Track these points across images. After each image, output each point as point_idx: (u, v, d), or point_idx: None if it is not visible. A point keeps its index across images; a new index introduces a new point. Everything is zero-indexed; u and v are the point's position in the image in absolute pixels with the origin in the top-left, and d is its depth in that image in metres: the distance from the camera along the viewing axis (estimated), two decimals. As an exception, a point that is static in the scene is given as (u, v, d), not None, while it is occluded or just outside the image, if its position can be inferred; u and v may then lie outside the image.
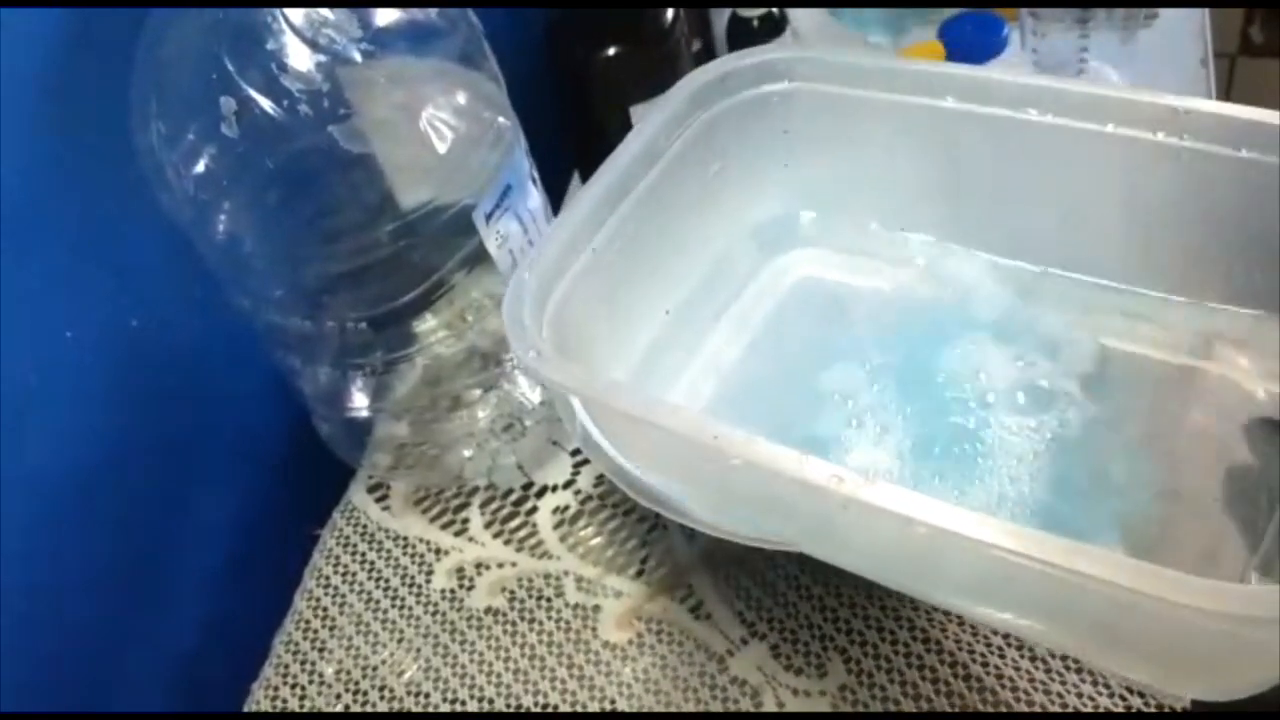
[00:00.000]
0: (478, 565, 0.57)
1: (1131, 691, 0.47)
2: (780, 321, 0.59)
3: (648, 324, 0.56)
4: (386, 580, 0.57)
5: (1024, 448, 0.50)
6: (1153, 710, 0.47)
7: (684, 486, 0.48)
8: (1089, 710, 0.47)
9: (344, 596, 0.57)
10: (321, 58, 0.45)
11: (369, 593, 0.57)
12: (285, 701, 0.54)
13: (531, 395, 0.58)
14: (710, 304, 0.59)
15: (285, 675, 0.54)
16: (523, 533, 0.57)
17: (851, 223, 0.61)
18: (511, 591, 0.55)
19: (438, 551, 0.58)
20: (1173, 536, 0.46)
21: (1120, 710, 0.47)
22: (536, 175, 0.55)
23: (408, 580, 0.57)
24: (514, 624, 0.54)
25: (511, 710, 0.51)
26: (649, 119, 0.53)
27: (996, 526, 0.34)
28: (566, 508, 0.58)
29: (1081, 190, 0.53)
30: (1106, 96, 0.50)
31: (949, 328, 0.56)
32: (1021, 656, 0.49)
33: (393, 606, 0.56)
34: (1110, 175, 0.51)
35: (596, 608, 0.54)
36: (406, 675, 0.53)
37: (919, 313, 0.57)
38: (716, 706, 0.50)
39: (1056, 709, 0.48)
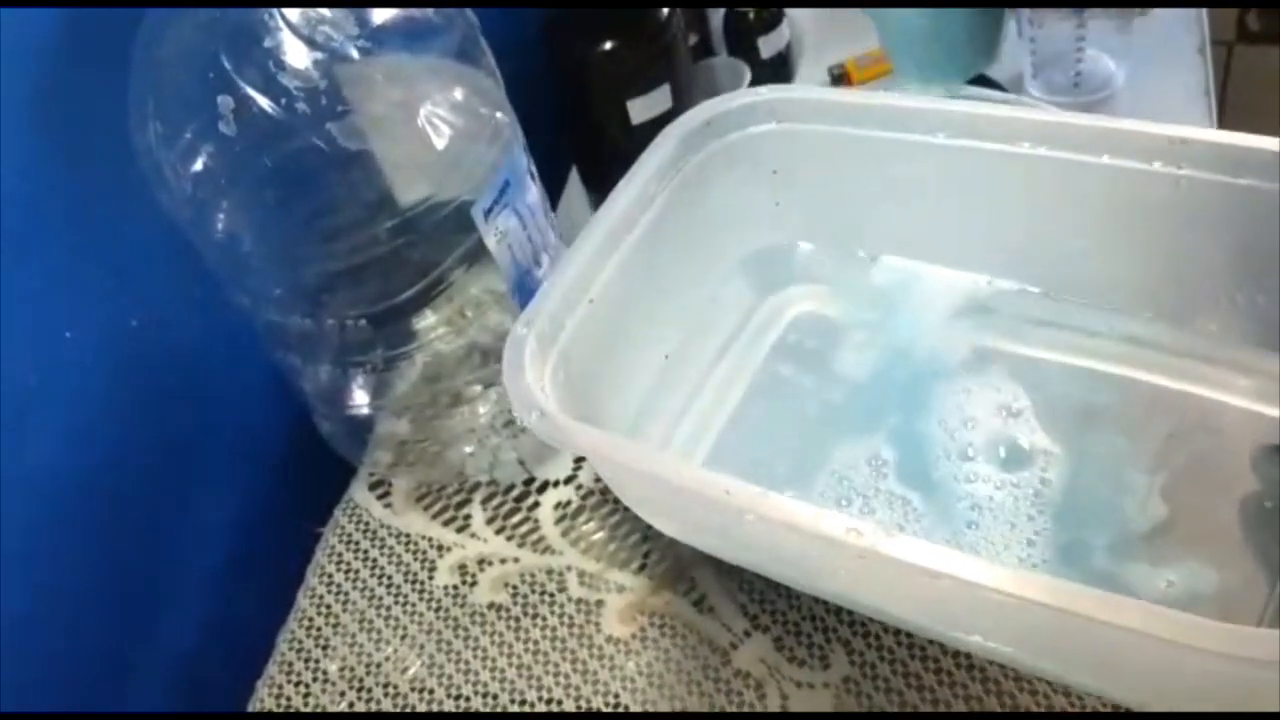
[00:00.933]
0: (480, 561, 0.57)
1: (1134, 680, 0.47)
2: (777, 363, 0.59)
3: (648, 370, 0.56)
4: (389, 577, 0.57)
5: (1021, 499, 0.50)
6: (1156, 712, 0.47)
7: (698, 537, 0.49)
8: (1092, 700, 0.47)
9: (347, 594, 0.57)
10: (319, 55, 0.45)
11: (372, 590, 0.57)
12: (289, 699, 0.54)
13: (532, 391, 0.58)
14: (708, 347, 0.59)
15: (289, 673, 0.55)
16: (525, 528, 0.57)
17: (844, 256, 0.60)
18: (514, 587, 0.55)
19: (440, 548, 0.58)
20: (1188, 568, 0.46)
21: (1124, 713, 0.47)
22: (535, 171, 0.55)
23: (411, 577, 0.57)
24: (517, 619, 0.54)
25: (516, 706, 0.51)
26: (639, 166, 0.53)
27: (1018, 577, 0.35)
28: (568, 503, 0.58)
29: (1079, 217, 0.52)
30: (1101, 128, 0.49)
31: (945, 363, 0.56)
32: (1024, 646, 0.49)
33: (396, 603, 0.56)
34: (1108, 203, 0.51)
35: (599, 602, 0.54)
36: (410, 672, 0.54)
37: (913, 347, 0.57)
38: (720, 700, 0.50)
39: (1059, 698, 0.48)
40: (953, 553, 0.35)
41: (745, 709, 0.49)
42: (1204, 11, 0.79)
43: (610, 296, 0.51)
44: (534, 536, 0.57)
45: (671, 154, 0.54)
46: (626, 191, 0.52)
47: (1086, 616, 0.33)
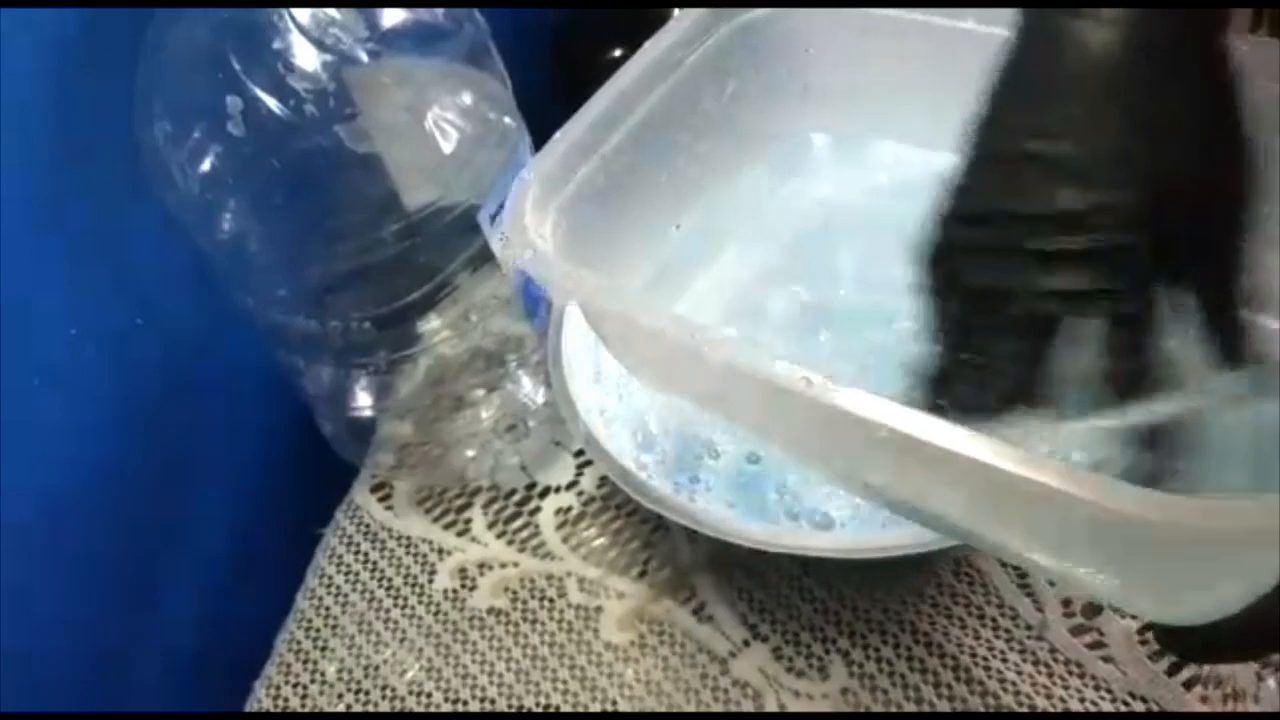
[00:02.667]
0: (480, 565, 0.57)
1: (1134, 696, 0.47)
2: (794, 248, 0.58)
3: (656, 240, 0.54)
4: (389, 580, 0.57)
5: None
6: (1155, 712, 0.47)
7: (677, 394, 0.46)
8: (1090, 714, 0.47)
9: (346, 596, 0.57)
10: (328, 58, 0.45)
11: (371, 592, 0.57)
12: (287, 701, 0.54)
13: (535, 396, 0.58)
14: (722, 224, 0.57)
15: (287, 674, 0.54)
16: (525, 533, 0.57)
17: (871, 145, 0.59)
18: (514, 592, 0.55)
19: (440, 551, 0.58)
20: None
21: (1124, 714, 0.47)
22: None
23: (410, 580, 0.57)
24: (516, 624, 0.54)
25: (513, 711, 0.51)
26: (665, 30, 0.51)
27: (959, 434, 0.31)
28: (569, 509, 0.58)
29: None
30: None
31: None
32: (1024, 660, 0.49)
33: (395, 606, 0.56)
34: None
35: (599, 609, 0.54)
36: (409, 675, 0.53)
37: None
38: (718, 709, 0.50)
39: (1059, 714, 0.47)
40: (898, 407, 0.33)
41: None
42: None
43: (622, 158, 0.49)
44: (534, 541, 0.57)
45: (701, 21, 0.52)
46: (649, 54, 0.50)
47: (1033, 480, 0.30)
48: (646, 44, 0.50)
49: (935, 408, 0.36)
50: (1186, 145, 0.34)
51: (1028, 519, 0.34)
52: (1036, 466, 0.30)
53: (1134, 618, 0.49)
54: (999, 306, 0.36)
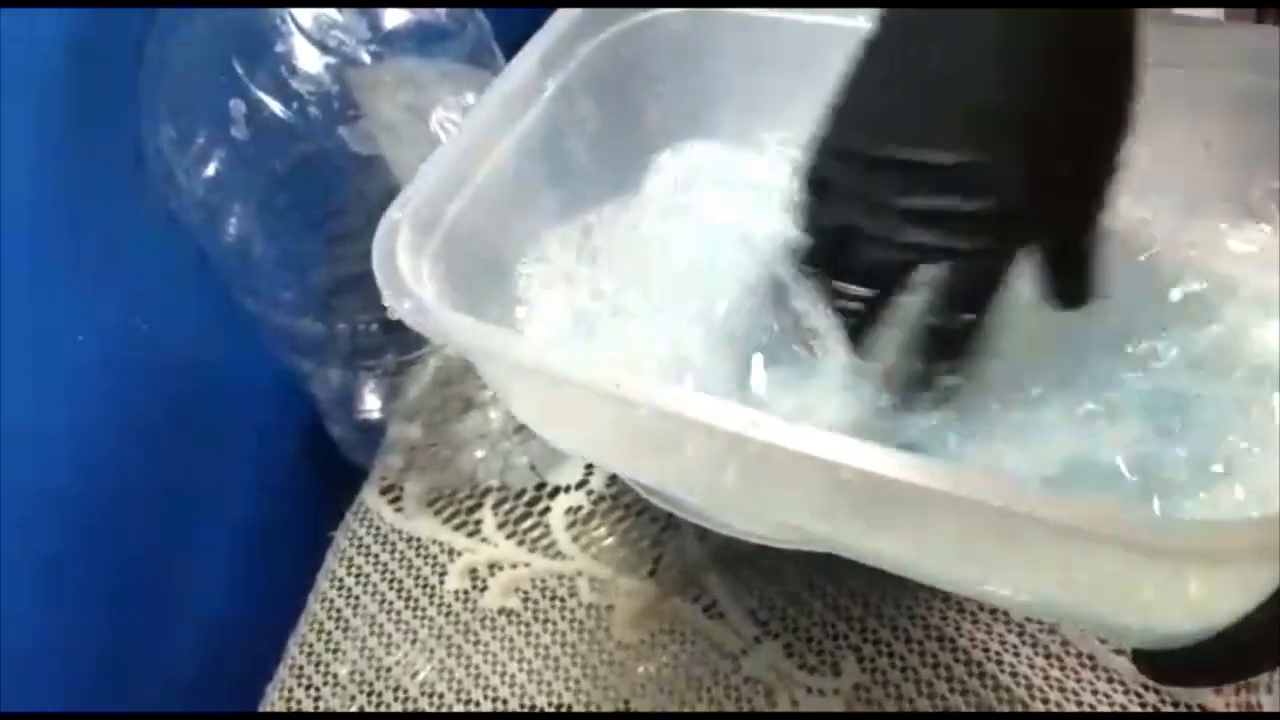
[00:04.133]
0: (491, 566, 0.57)
1: (1146, 688, 0.47)
2: (665, 258, 0.50)
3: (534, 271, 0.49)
4: (400, 581, 0.57)
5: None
6: (1168, 709, 0.47)
7: (593, 446, 0.44)
8: (1104, 708, 0.47)
9: (357, 598, 0.57)
10: (330, 60, 0.45)
11: (382, 594, 0.57)
12: (299, 702, 0.54)
13: (543, 396, 0.58)
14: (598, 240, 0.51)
15: (300, 676, 0.55)
16: (535, 533, 0.57)
17: (761, 147, 0.53)
18: (525, 592, 0.55)
19: (451, 552, 0.58)
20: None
21: (1135, 708, 0.47)
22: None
23: (421, 581, 0.57)
24: (527, 624, 0.54)
25: (525, 710, 0.51)
26: (534, 41, 0.46)
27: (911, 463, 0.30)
28: (579, 508, 0.58)
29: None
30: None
31: None
32: (1036, 654, 0.49)
33: (406, 607, 0.56)
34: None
35: (610, 607, 0.54)
36: (420, 676, 0.54)
37: None
38: (730, 706, 0.50)
39: (1071, 707, 0.47)
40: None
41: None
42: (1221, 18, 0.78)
43: (500, 183, 0.44)
44: (545, 541, 0.57)
45: (573, 27, 0.47)
46: (520, 67, 0.45)
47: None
48: (516, 56, 0.46)
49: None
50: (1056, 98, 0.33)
51: (969, 544, 0.34)
52: (973, 482, 0.29)
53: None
54: (853, 247, 0.36)
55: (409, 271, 0.38)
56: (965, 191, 0.33)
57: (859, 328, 0.37)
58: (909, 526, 0.35)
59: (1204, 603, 0.30)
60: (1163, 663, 0.33)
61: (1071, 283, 0.36)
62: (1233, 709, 0.46)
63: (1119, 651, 0.48)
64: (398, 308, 0.37)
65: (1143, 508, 0.34)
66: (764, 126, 0.52)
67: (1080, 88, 0.33)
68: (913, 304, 0.36)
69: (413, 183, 0.41)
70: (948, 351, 0.36)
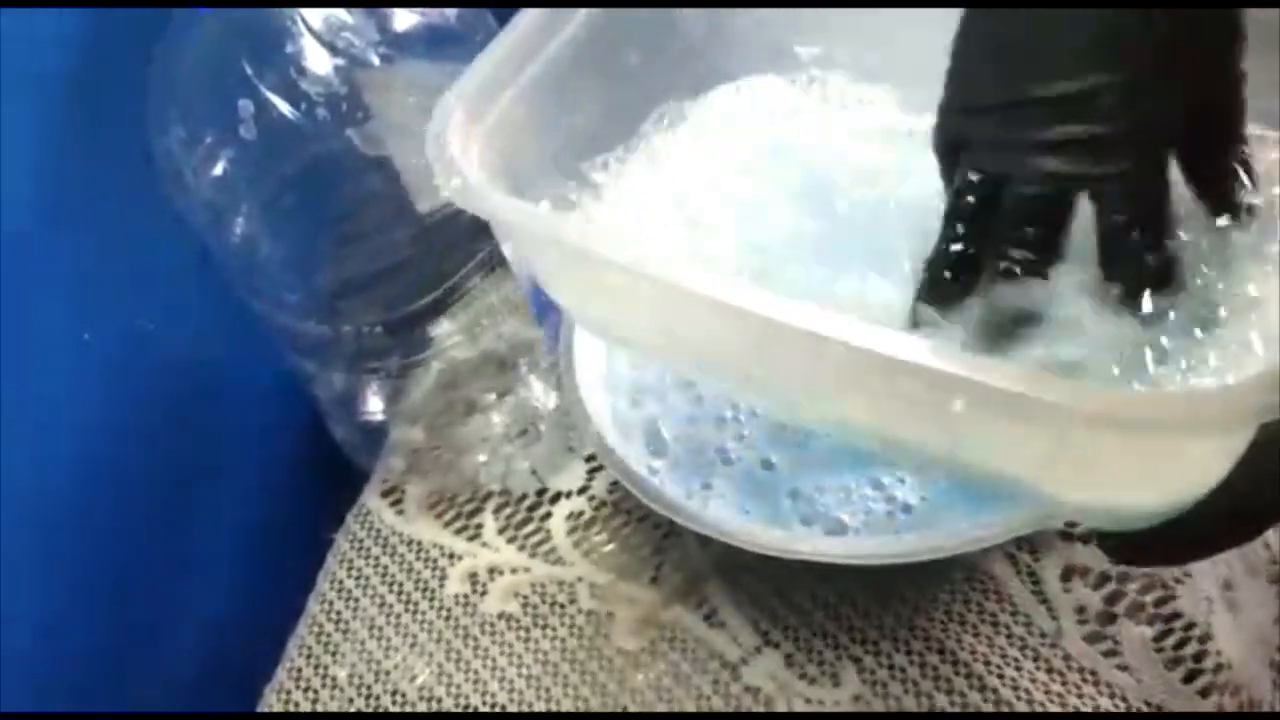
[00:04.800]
0: (491, 570, 0.56)
1: (1149, 704, 0.47)
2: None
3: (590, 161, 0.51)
4: (400, 584, 0.57)
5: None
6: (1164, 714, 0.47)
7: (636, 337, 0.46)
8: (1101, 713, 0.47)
9: (357, 600, 0.57)
10: (340, 61, 0.45)
11: (382, 597, 0.57)
12: (297, 704, 0.54)
13: (546, 400, 0.58)
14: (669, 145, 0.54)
15: (298, 679, 0.54)
16: (536, 538, 0.57)
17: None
18: (525, 597, 0.55)
19: (451, 556, 0.57)
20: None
21: (1132, 714, 0.47)
22: (553, 180, 0.55)
23: (421, 585, 0.57)
24: (527, 630, 0.54)
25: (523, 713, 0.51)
26: None
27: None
28: (580, 514, 0.58)
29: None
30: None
31: None
32: (1038, 668, 0.49)
33: (406, 611, 0.56)
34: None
35: (610, 614, 0.54)
36: (419, 680, 0.53)
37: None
38: (730, 715, 0.50)
39: (1070, 714, 0.47)
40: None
41: (755, 725, 0.49)
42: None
43: (554, 74, 0.45)
44: (545, 547, 0.57)
45: None
46: None
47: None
48: None
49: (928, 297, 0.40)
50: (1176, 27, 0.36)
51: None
52: (983, 368, 0.31)
53: (1148, 625, 0.49)
54: (1004, 197, 0.38)
55: (459, 153, 0.40)
56: (1096, 116, 0.36)
57: (1031, 273, 0.38)
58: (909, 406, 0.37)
59: (1167, 478, 0.33)
60: (1124, 543, 0.36)
61: (1218, 191, 0.38)
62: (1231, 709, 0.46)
63: (1121, 668, 0.48)
64: (445, 186, 0.39)
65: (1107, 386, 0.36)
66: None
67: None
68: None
69: (467, 71, 0.42)
70: (1146, 281, 0.37)
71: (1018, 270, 0.38)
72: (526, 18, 0.45)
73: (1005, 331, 0.38)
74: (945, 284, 0.39)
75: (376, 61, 0.46)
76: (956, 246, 0.39)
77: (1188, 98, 0.36)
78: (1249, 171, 0.38)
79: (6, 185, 0.44)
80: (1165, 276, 0.37)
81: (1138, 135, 0.36)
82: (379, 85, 0.46)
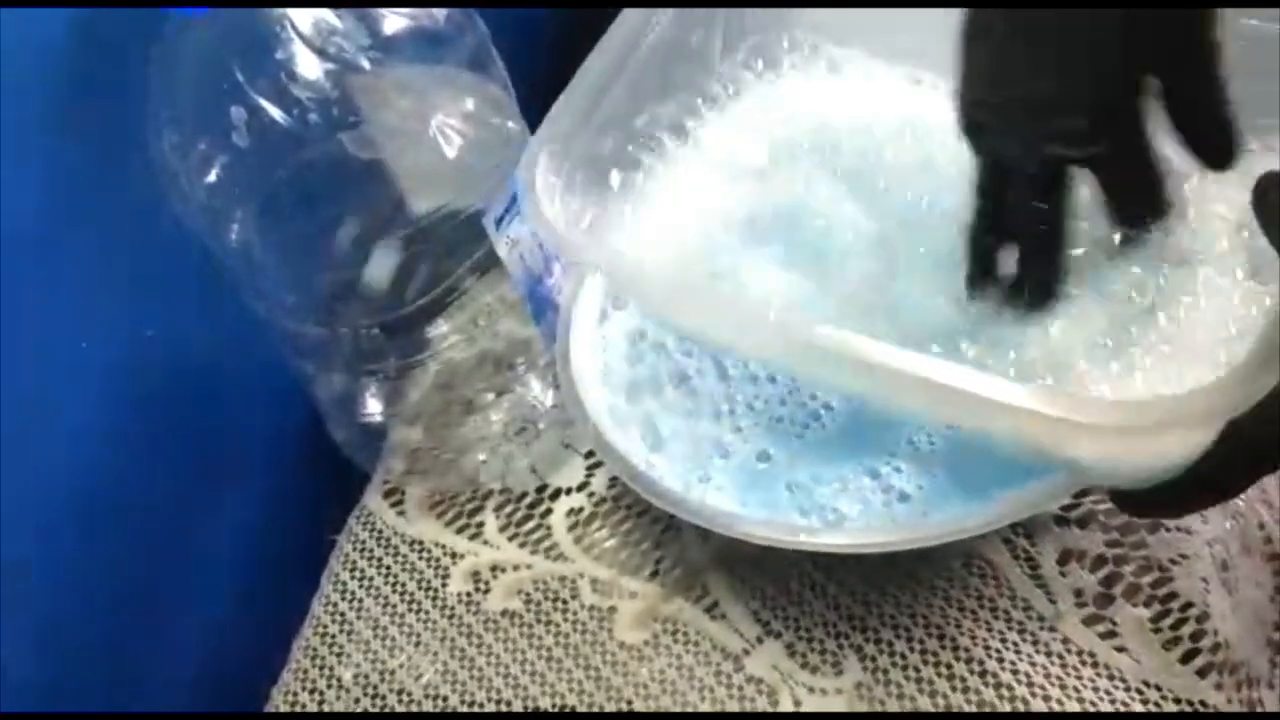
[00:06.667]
0: (493, 568, 0.57)
1: (1148, 685, 0.47)
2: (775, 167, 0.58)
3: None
4: (403, 585, 0.57)
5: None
6: (1169, 707, 0.47)
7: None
8: (1105, 706, 0.47)
9: (360, 601, 0.57)
10: (330, 66, 0.45)
11: (385, 597, 0.57)
12: (303, 705, 0.54)
13: (544, 398, 0.58)
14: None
15: (304, 680, 0.55)
16: (537, 535, 0.58)
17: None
18: (527, 594, 0.55)
19: (453, 555, 0.58)
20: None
21: (1138, 706, 0.47)
22: (546, 179, 0.55)
23: (424, 584, 0.57)
24: (530, 626, 0.54)
25: (528, 712, 0.52)
26: None
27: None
28: (580, 510, 0.58)
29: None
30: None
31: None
32: (1037, 651, 0.49)
33: (409, 611, 0.56)
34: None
35: (612, 609, 0.54)
36: (424, 679, 0.54)
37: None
38: (733, 706, 0.50)
39: (1073, 705, 0.48)
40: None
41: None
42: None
43: (620, 111, 0.50)
44: (547, 543, 0.57)
45: None
46: (622, 26, 0.52)
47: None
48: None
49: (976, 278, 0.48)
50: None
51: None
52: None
53: (1145, 606, 0.49)
54: (1011, 172, 0.45)
55: (545, 199, 0.44)
56: (1084, 108, 0.42)
57: (1042, 240, 0.46)
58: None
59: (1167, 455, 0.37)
60: (1134, 498, 0.40)
61: (1206, 146, 0.42)
62: (1234, 705, 0.47)
63: (1120, 649, 0.48)
64: (539, 230, 0.44)
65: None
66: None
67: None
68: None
69: (549, 117, 0.48)
70: (1147, 208, 0.45)
71: (1030, 241, 0.46)
72: (595, 62, 0.50)
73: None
74: (982, 255, 0.48)
75: (367, 65, 0.46)
76: (983, 220, 0.47)
77: (1165, 79, 0.41)
78: (1231, 126, 0.42)
79: (6, 190, 0.44)
80: (1162, 201, 0.44)
81: (1123, 117, 0.42)
82: (370, 89, 0.46)
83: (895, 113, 0.58)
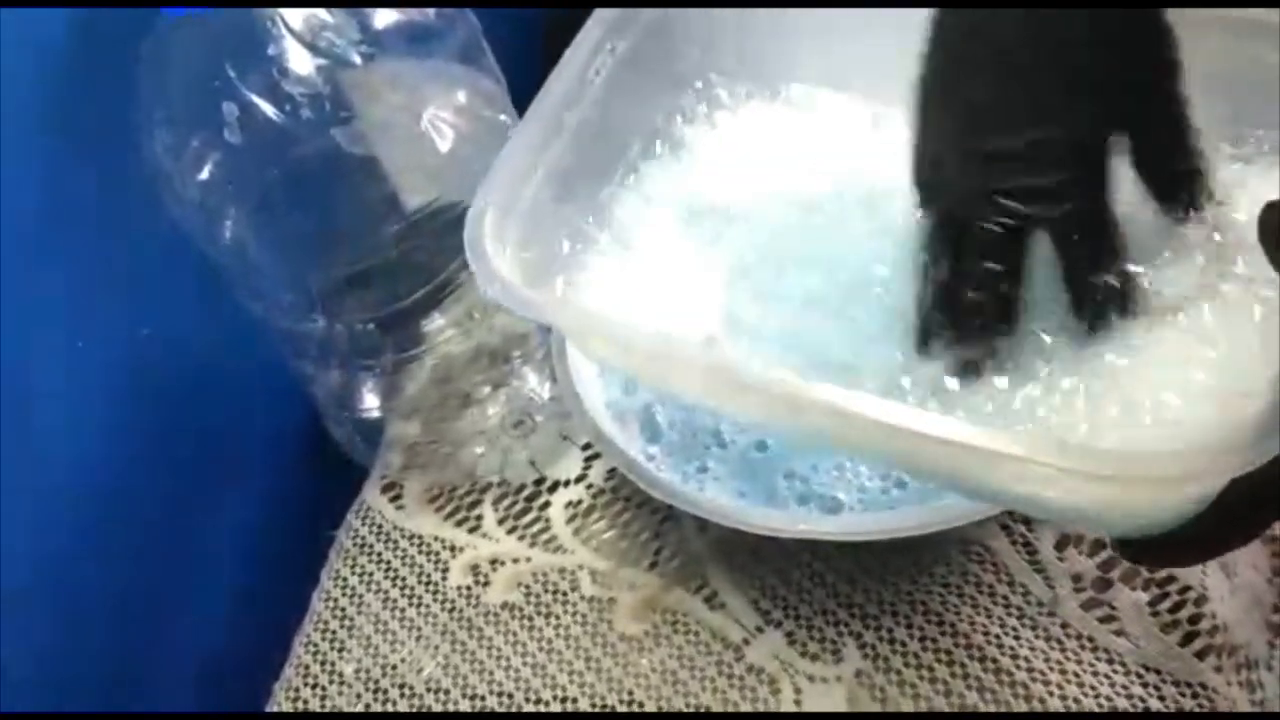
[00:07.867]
0: (493, 561, 0.57)
1: (1147, 669, 0.48)
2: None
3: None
4: (403, 579, 0.57)
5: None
6: (1169, 688, 0.47)
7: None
8: (1105, 689, 0.47)
9: (361, 596, 0.57)
10: (322, 61, 0.45)
11: (386, 592, 0.57)
12: (306, 702, 0.54)
13: (541, 391, 0.58)
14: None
15: (306, 676, 0.55)
16: (536, 528, 0.58)
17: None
18: (527, 586, 0.56)
19: (453, 549, 0.58)
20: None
21: (1137, 689, 0.47)
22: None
23: (424, 578, 0.57)
24: (530, 619, 0.54)
25: (531, 705, 0.52)
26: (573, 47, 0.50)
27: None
28: (579, 502, 0.58)
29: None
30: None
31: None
32: (1037, 637, 0.49)
33: (410, 605, 0.56)
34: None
35: (612, 600, 0.54)
36: (425, 673, 0.54)
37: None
38: (734, 696, 0.50)
39: (1073, 689, 0.48)
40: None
41: (759, 705, 0.50)
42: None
43: (563, 166, 0.48)
44: (545, 536, 0.57)
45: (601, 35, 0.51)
46: (564, 74, 0.49)
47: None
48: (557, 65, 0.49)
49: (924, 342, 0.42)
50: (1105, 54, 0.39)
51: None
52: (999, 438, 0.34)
53: (1144, 590, 0.49)
54: (967, 229, 0.41)
55: (494, 255, 0.42)
56: (1046, 167, 0.39)
57: (991, 305, 0.41)
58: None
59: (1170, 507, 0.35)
60: (1139, 547, 0.38)
61: (1173, 194, 0.40)
62: (1233, 687, 0.47)
63: (1119, 633, 0.49)
64: (488, 289, 0.42)
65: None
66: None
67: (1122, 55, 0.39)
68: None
69: (492, 169, 0.45)
70: (1112, 302, 0.40)
71: (984, 303, 0.41)
72: (539, 107, 0.47)
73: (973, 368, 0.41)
74: (933, 317, 0.42)
75: (358, 61, 0.46)
76: (929, 283, 0.42)
77: (1131, 133, 0.39)
78: (1202, 176, 0.40)
79: (4, 190, 0.44)
80: (1128, 298, 0.39)
81: (1085, 177, 0.40)
82: (362, 84, 0.46)
83: (851, 151, 0.55)
